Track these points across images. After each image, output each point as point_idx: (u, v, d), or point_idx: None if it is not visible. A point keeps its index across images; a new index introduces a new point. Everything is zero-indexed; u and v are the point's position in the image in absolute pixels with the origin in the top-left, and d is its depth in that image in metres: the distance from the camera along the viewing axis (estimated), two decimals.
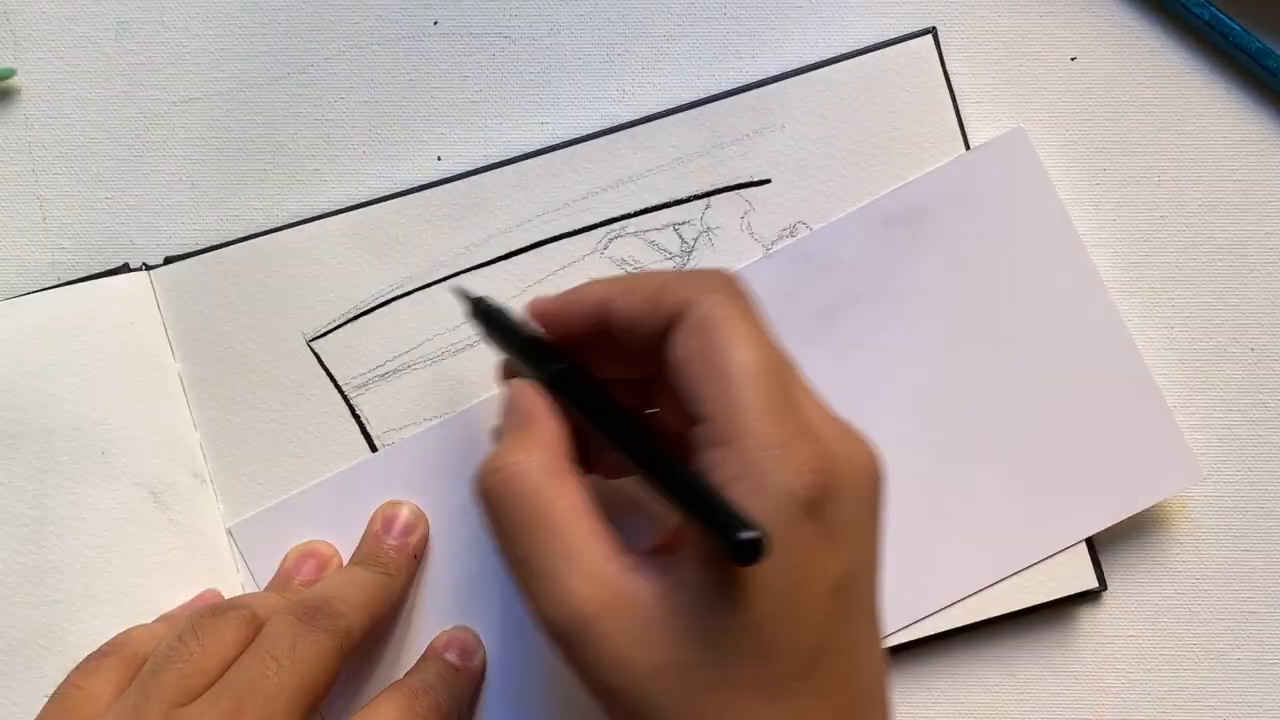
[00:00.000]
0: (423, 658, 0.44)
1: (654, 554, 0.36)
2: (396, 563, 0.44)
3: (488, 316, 0.42)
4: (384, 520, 0.45)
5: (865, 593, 0.36)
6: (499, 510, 0.37)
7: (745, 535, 0.31)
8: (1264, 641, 0.45)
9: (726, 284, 0.37)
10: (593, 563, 0.35)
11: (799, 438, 0.34)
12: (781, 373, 0.36)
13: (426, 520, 0.45)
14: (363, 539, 0.45)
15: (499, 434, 0.39)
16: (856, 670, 0.36)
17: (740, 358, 0.35)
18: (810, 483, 0.34)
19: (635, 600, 0.35)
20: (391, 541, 0.44)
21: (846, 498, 0.35)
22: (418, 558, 0.45)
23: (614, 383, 0.39)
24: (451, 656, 0.44)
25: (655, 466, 0.35)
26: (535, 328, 0.40)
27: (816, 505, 0.34)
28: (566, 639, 0.35)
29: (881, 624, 0.38)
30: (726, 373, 0.35)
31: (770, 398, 0.35)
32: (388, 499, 0.45)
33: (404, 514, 0.44)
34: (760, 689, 0.34)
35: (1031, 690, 0.45)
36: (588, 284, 0.40)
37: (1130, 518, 0.45)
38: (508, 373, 0.42)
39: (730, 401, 0.35)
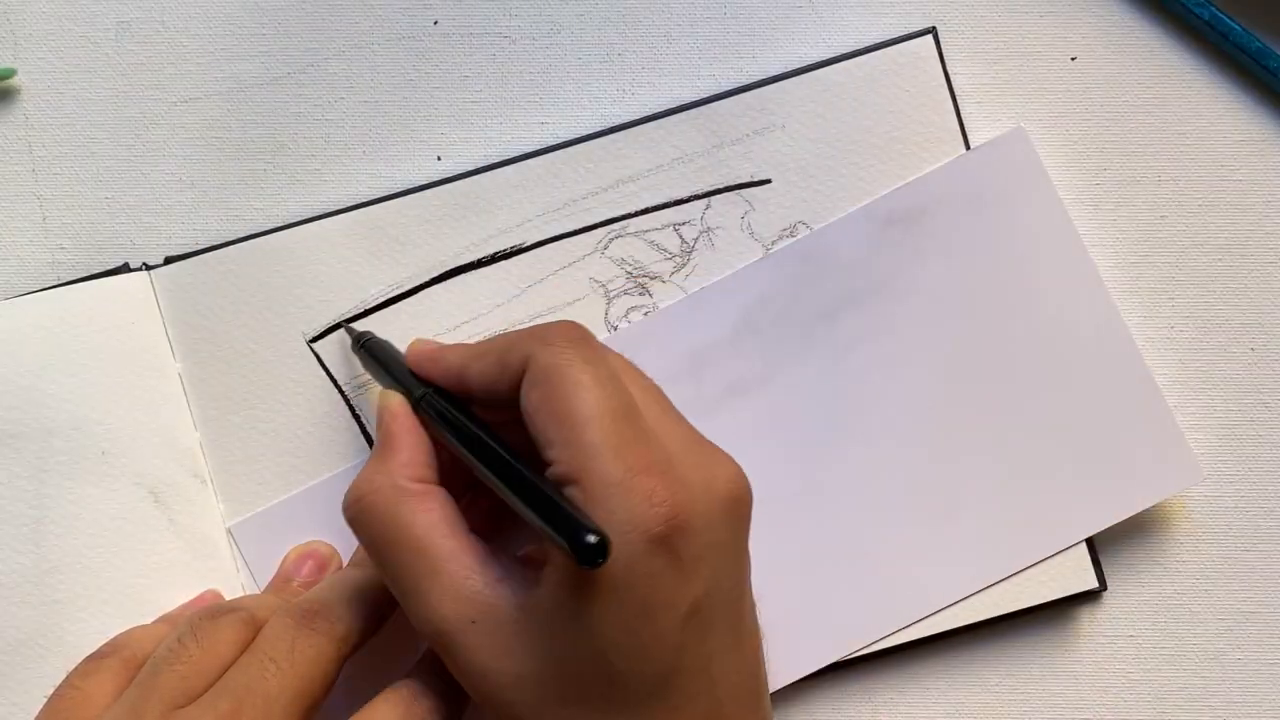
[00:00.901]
0: (421, 660, 0.43)
1: (524, 562, 0.37)
2: None
3: (367, 349, 0.44)
4: None
5: (724, 612, 0.37)
6: (363, 533, 0.39)
7: (589, 539, 0.32)
8: (1264, 641, 0.45)
9: (566, 332, 0.38)
10: (454, 579, 0.36)
11: (644, 472, 0.35)
12: (625, 410, 0.37)
13: None
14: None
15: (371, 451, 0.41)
16: (713, 685, 0.37)
17: (578, 402, 0.36)
18: (656, 516, 0.34)
19: (497, 614, 0.36)
20: None
21: (699, 526, 0.36)
22: None
23: (497, 425, 0.40)
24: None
25: (508, 479, 0.36)
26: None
27: (664, 538, 0.35)
28: (439, 648, 0.37)
29: (749, 633, 0.39)
30: (568, 417, 0.36)
31: (611, 436, 0.35)
32: None
33: None
34: (609, 706, 0.36)
35: (1031, 690, 0.45)
36: (450, 347, 0.41)
37: (1130, 518, 0.45)
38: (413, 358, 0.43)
39: (574, 444, 0.35)
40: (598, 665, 0.35)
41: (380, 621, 0.42)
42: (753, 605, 0.39)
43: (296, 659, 0.38)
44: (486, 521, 0.42)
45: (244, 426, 0.45)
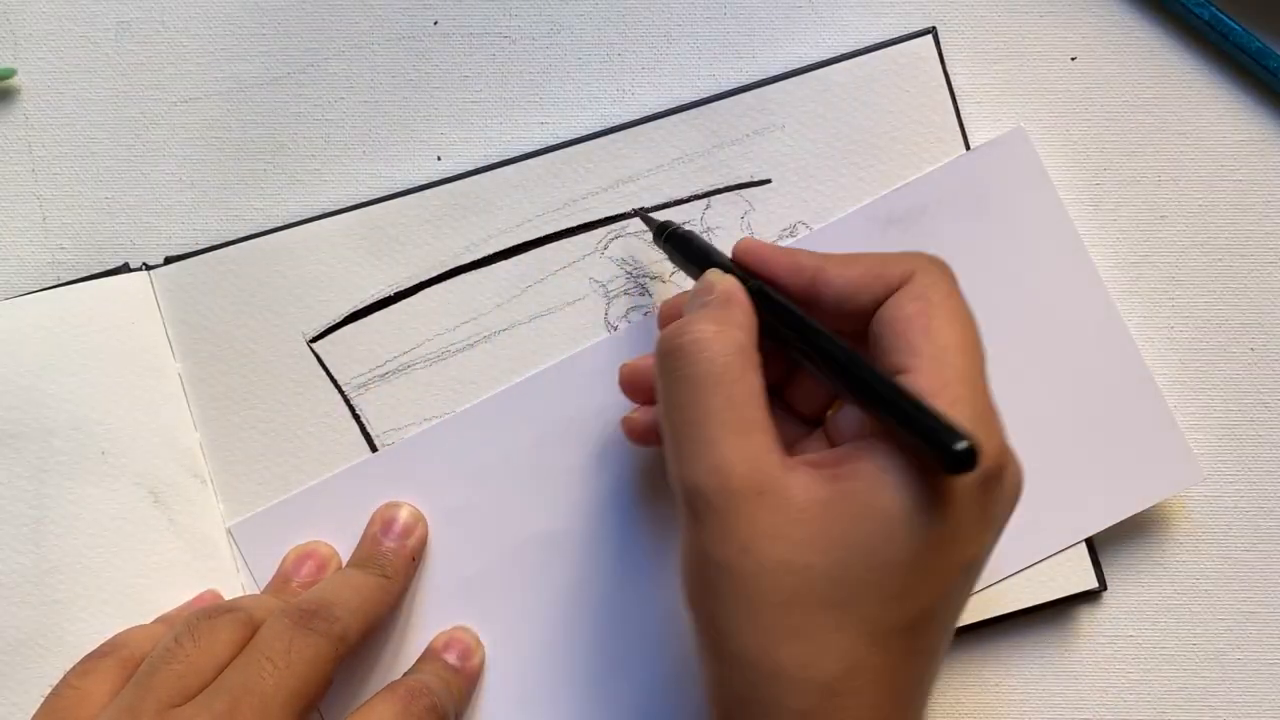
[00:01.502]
0: (421, 658, 0.44)
1: (811, 466, 0.36)
2: (394, 565, 0.44)
3: (673, 238, 0.43)
4: (382, 522, 0.44)
5: (975, 578, 0.37)
6: (681, 367, 0.37)
7: (961, 444, 0.31)
8: (1264, 641, 0.45)
9: (944, 266, 0.38)
10: (757, 446, 0.35)
11: (989, 415, 0.35)
12: (981, 356, 0.37)
13: (425, 522, 0.45)
14: (361, 541, 0.45)
15: (690, 308, 0.39)
16: (941, 645, 0.37)
17: (955, 329, 0.36)
18: (993, 460, 0.35)
19: (787, 495, 0.34)
20: (389, 544, 0.44)
21: (1006, 487, 0.36)
22: (416, 560, 0.45)
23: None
24: (451, 657, 0.44)
25: (861, 377, 0.35)
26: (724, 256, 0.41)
27: (989, 483, 0.35)
28: (703, 506, 0.35)
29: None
30: (941, 337, 0.36)
31: (972, 372, 0.36)
32: (387, 500, 0.45)
33: (402, 516, 0.44)
34: (865, 626, 0.34)
35: (1031, 690, 0.45)
36: (799, 250, 0.40)
37: (1130, 518, 0.45)
38: (665, 320, 0.42)
39: (939, 362, 0.35)
40: (881, 577, 0.34)
41: (378, 621, 0.42)
42: None
43: (294, 659, 0.38)
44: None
45: (244, 426, 0.45)
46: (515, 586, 0.45)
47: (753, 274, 0.40)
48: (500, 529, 0.45)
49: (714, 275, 0.40)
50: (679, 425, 0.37)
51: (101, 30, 0.47)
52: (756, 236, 0.42)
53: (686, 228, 0.44)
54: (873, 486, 0.34)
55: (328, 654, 0.39)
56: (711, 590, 0.35)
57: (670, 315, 0.42)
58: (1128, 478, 0.45)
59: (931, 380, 0.35)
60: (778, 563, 0.34)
